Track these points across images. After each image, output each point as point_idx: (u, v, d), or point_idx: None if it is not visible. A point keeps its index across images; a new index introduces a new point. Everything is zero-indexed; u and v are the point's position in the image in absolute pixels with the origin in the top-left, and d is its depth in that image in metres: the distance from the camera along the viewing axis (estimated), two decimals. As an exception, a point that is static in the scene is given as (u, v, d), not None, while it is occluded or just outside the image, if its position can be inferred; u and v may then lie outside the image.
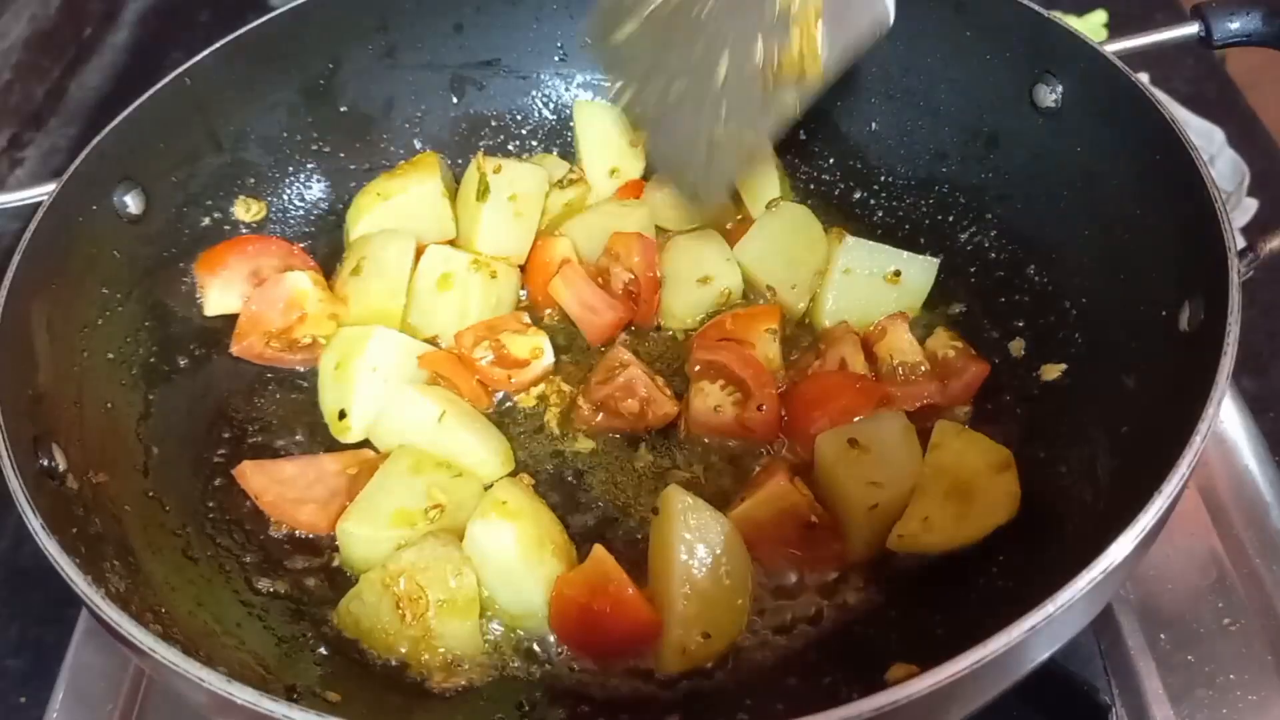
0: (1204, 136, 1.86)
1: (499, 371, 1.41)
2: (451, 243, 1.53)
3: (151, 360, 1.33)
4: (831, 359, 1.35)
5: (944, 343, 1.37)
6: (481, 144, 1.65)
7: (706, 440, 1.35)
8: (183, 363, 1.37)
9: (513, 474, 1.34)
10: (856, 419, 1.26)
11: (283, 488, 1.30)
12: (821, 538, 1.19)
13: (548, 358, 1.44)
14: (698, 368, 1.37)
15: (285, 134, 1.52)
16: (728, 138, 1.27)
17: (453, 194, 1.55)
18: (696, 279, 1.48)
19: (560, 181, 1.58)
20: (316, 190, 1.56)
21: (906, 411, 1.28)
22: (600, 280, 1.48)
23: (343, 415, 1.36)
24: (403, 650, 1.16)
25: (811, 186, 1.60)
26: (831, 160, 1.59)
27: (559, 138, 1.68)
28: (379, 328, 1.39)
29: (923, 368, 1.33)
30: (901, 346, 1.35)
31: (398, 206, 1.51)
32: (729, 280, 1.48)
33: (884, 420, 1.24)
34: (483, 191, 1.49)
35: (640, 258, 1.46)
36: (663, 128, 1.37)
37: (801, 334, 1.46)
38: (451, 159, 1.60)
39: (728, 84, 1.23)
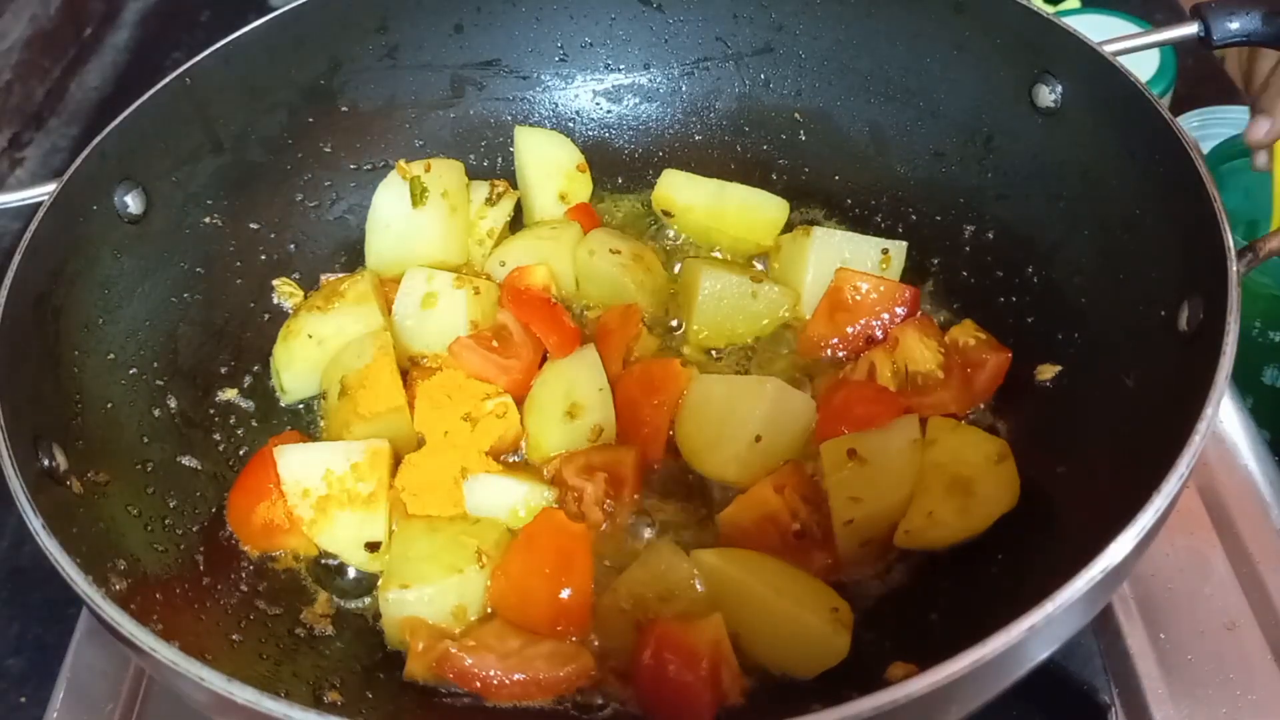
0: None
1: None
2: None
3: (153, 361, 1.33)
4: (861, 366, 1.35)
5: (969, 331, 1.34)
6: (482, 144, 1.65)
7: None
8: (184, 362, 1.37)
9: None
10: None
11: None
12: (809, 547, 1.19)
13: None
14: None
15: (285, 134, 1.52)
16: None
17: (386, 307, 1.42)
18: (564, 410, 1.31)
19: (489, 198, 1.56)
20: (318, 191, 1.56)
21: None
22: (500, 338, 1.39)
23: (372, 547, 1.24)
24: None
25: (810, 187, 1.59)
26: (830, 161, 1.58)
27: (559, 137, 1.68)
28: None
29: (939, 375, 1.31)
30: (915, 355, 1.32)
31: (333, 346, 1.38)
32: (599, 415, 1.31)
33: (893, 431, 1.21)
34: (420, 195, 1.47)
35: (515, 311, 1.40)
36: None
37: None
38: (452, 159, 1.59)
39: None
